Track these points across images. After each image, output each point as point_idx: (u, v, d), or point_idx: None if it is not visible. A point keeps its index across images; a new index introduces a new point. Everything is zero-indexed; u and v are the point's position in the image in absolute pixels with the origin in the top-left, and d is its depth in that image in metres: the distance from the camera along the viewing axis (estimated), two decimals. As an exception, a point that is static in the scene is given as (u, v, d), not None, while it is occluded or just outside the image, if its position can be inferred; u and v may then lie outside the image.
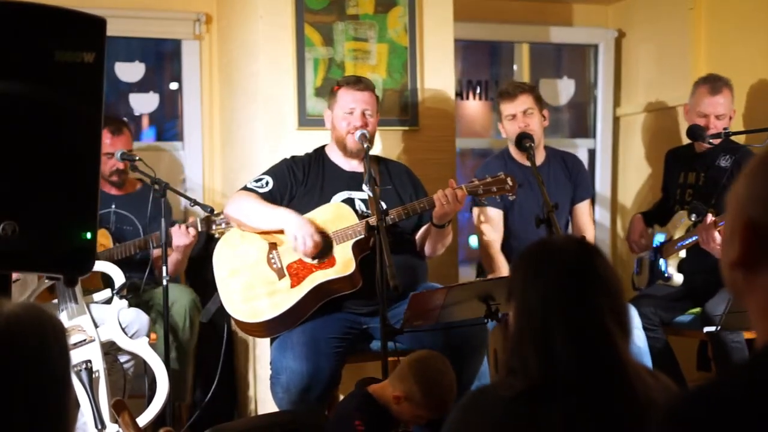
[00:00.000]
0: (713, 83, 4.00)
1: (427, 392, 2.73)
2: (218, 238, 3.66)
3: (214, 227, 3.82)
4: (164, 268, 3.56)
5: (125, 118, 4.47)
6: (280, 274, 3.41)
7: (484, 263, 4.09)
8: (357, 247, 3.37)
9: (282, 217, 3.42)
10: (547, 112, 4.11)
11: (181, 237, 3.83)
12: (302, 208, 3.49)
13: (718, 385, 1.09)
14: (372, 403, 2.82)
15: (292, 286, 3.37)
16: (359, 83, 3.61)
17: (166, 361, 3.54)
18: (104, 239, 3.92)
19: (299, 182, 3.57)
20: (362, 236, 3.36)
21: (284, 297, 3.36)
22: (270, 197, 3.51)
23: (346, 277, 3.35)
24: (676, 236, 3.99)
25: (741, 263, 1.15)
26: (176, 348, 3.86)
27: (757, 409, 1.02)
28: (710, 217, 3.60)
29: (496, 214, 4.04)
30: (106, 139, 4.02)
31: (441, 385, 2.75)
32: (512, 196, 3.53)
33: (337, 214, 3.45)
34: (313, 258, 3.38)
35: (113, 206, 4.09)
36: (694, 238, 3.80)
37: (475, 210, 4.06)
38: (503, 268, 3.93)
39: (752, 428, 1.01)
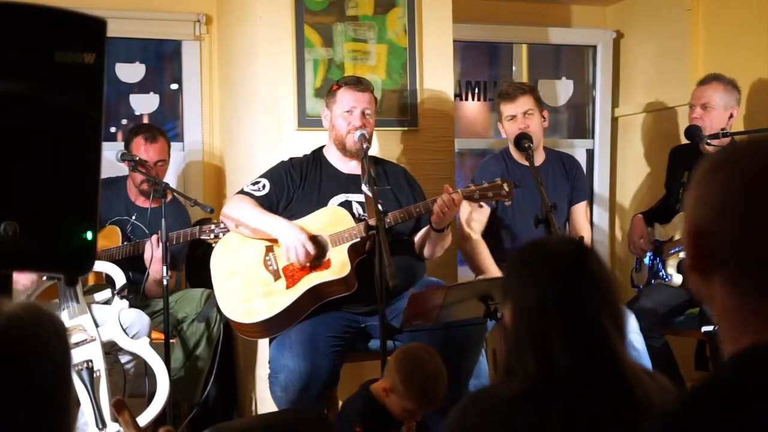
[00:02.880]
0: (704, 77, 4.08)
1: (407, 382, 2.71)
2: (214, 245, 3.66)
3: (212, 236, 3.80)
4: (164, 267, 3.56)
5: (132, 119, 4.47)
6: (276, 276, 3.41)
7: (469, 260, 4.02)
8: (353, 251, 3.38)
9: (276, 226, 3.42)
10: (547, 113, 4.12)
11: (148, 251, 3.75)
12: (300, 210, 3.50)
13: (705, 392, 1.10)
14: (373, 403, 2.82)
15: (288, 287, 3.38)
16: (359, 83, 3.61)
17: (167, 363, 3.54)
18: (113, 237, 3.93)
19: (296, 185, 3.57)
20: (358, 239, 3.37)
21: (279, 298, 3.37)
22: (267, 201, 3.52)
23: (341, 279, 3.36)
24: (677, 237, 4.00)
25: (695, 269, 1.16)
26: (194, 357, 3.88)
27: (742, 415, 1.03)
28: None
29: (484, 209, 4.01)
30: (140, 146, 4.06)
31: (422, 374, 2.72)
32: (508, 201, 3.53)
33: (334, 218, 3.46)
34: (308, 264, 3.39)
35: (134, 217, 4.09)
36: None
37: (465, 204, 4.00)
38: (492, 267, 3.91)
39: None
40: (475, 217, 4.00)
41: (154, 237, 3.76)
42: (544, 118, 4.06)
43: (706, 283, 1.15)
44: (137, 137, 4.09)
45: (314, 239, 3.39)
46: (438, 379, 2.74)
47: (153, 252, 3.74)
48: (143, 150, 4.05)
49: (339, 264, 3.37)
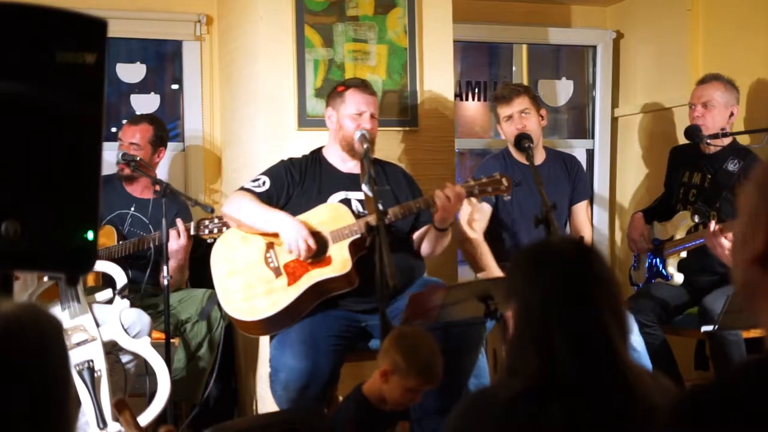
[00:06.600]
0: (703, 77, 4.10)
1: (409, 356, 2.73)
2: (212, 242, 3.66)
3: (207, 232, 3.79)
4: (165, 267, 3.57)
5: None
6: (277, 273, 3.43)
7: (470, 260, 4.00)
8: (353, 247, 3.39)
9: (277, 220, 3.44)
10: (544, 112, 4.12)
11: (173, 241, 3.75)
12: (299, 208, 3.51)
13: (724, 384, 1.11)
14: (367, 406, 2.82)
15: (289, 284, 3.40)
16: (366, 87, 3.64)
17: (168, 363, 3.54)
18: (108, 237, 3.93)
19: (296, 183, 3.59)
20: (358, 235, 3.38)
21: (281, 295, 3.38)
22: (267, 197, 3.53)
23: (342, 276, 3.37)
24: (677, 237, 4.00)
25: (759, 260, 1.16)
26: (196, 358, 3.88)
27: (761, 409, 1.04)
28: (714, 224, 3.61)
29: (486, 208, 4.03)
30: (125, 128, 4.13)
31: (421, 347, 2.74)
32: (507, 196, 3.55)
33: (334, 215, 3.47)
34: (309, 260, 3.41)
35: (132, 208, 4.10)
36: (699, 241, 3.80)
37: (465, 204, 4.00)
38: (493, 266, 3.91)
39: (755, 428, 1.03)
40: (476, 217, 4.00)
41: (174, 230, 3.77)
42: (542, 116, 4.07)
43: (764, 276, 1.15)
44: (128, 120, 4.20)
45: (315, 234, 3.40)
46: (436, 353, 2.76)
47: (177, 241, 3.76)
48: (123, 129, 4.12)
49: (340, 261, 3.39)
